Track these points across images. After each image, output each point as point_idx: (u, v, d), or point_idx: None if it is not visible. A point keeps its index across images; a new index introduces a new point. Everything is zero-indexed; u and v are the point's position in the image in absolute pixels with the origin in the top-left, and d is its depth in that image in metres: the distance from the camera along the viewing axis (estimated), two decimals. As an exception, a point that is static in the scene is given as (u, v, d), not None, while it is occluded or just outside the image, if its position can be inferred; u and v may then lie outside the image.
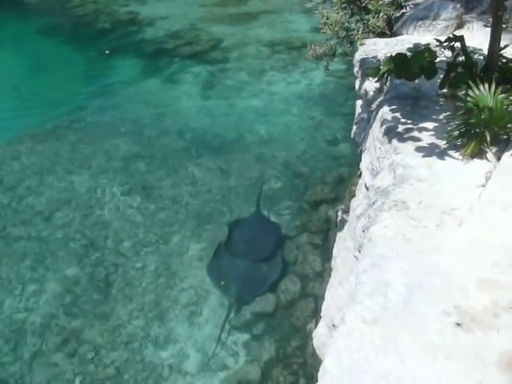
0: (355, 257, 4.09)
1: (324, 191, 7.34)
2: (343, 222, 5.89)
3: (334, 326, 4.22)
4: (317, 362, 4.58)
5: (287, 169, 7.93)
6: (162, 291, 6.18)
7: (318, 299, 5.81)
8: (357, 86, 7.03)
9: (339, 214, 6.18)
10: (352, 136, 7.06)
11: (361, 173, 5.74)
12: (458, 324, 2.77)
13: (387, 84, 5.82)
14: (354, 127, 7.03)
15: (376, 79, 5.26)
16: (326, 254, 6.35)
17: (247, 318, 5.87)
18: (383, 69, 4.89)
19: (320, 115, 9.14)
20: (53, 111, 9.66)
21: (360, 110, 6.96)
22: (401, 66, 4.76)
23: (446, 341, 2.68)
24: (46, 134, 9.02)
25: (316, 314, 5.72)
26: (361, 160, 5.61)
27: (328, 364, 2.46)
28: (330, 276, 5.50)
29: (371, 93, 6.43)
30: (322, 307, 4.82)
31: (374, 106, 6.12)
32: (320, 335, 4.39)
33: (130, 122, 9.20)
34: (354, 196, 5.79)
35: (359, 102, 7.14)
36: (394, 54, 4.93)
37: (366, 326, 2.71)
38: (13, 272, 6.41)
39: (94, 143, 8.58)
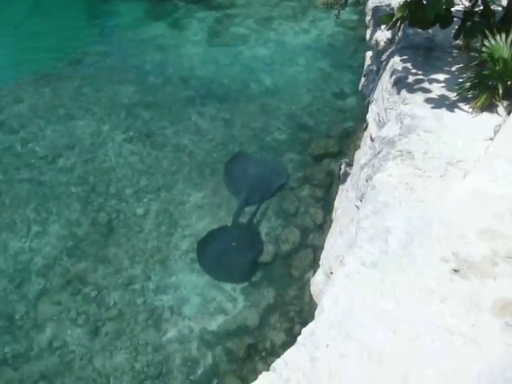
0: (356, 206, 4.09)
1: (328, 144, 7.26)
2: (346, 174, 5.86)
3: (331, 273, 4.29)
4: (313, 309, 4.68)
5: (292, 121, 7.81)
6: (163, 237, 6.26)
7: (317, 250, 5.88)
8: (368, 37, 6.79)
9: (342, 166, 6.14)
10: (360, 88, 6.90)
11: (367, 125, 5.65)
12: (456, 270, 2.80)
13: (399, 34, 5.62)
14: (363, 79, 6.86)
15: (388, 27, 5.06)
16: (328, 208, 6.38)
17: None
18: (397, 15, 4.70)
19: (328, 67, 8.90)
20: (55, 55, 9.44)
21: (369, 62, 6.76)
22: (415, 12, 4.56)
23: (442, 286, 2.71)
24: (49, 77, 8.86)
25: (314, 265, 5.81)
26: (368, 112, 5.51)
27: (326, 303, 2.51)
28: (329, 228, 5.54)
29: (382, 43, 6.22)
30: (321, 256, 4.88)
31: (384, 56, 5.94)
32: (317, 283, 4.47)
33: (134, 68, 9.00)
34: (358, 148, 5.73)
35: (369, 54, 6.93)
36: (409, 0, 4.72)
37: (365, 269, 2.74)
38: (17, 214, 6.47)
39: (98, 88, 8.44)
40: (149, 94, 8.33)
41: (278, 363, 2.21)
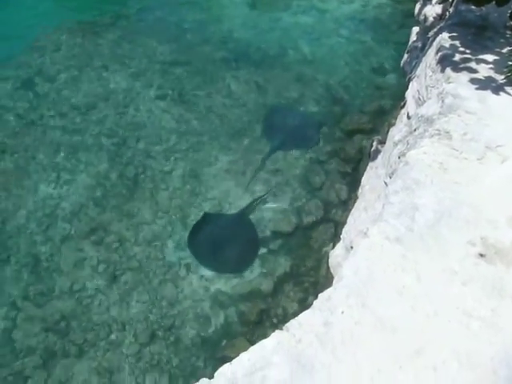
0: (385, 183, 4.01)
1: (361, 120, 7.10)
2: (377, 152, 5.74)
3: (352, 248, 4.27)
4: (328, 282, 4.71)
5: (327, 93, 7.64)
6: (186, 197, 6.32)
7: (339, 225, 5.84)
8: (416, 11, 6.49)
9: (374, 144, 6.00)
10: (401, 65, 6.65)
11: (405, 103, 5.47)
12: (482, 255, 2.73)
13: (451, 9, 5.35)
14: (405, 56, 6.60)
15: (440, 1, 4.82)
16: (354, 184, 6.29)
17: (266, 235, 6.00)
18: (451, -12, 4.45)
19: (370, 41, 8.60)
20: (97, 5, 9.41)
21: (415, 38, 6.48)
22: (471, -14, 4.32)
23: (465, 268, 2.66)
24: (88, 28, 8.86)
25: (334, 240, 5.79)
26: (407, 88, 5.32)
27: (345, 271, 2.49)
28: (354, 204, 5.48)
29: (431, 19, 5.94)
30: (343, 230, 4.85)
31: (431, 33, 5.67)
32: (336, 255, 4.46)
33: (173, 25, 8.91)
34: (392, 126, 5.58)
35: (415, 29, 6.63)
36: (465, -27, 4.46)
37: (388, 243, 2.70)
38: (49, 160, 6.62)
39: (135, 43, 8.41)
40: (185, 53, 8.26)
41: (291, 324, 2.23)
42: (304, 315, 2.25)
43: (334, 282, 2.59)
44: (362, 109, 7.34)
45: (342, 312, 2.28)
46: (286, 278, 5.65)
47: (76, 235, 5.90)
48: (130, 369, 4.96)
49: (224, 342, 5.18)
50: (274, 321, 5.31)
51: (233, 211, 6.15)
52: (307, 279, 5.66)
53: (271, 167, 6.63)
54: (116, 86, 7.60)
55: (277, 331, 2.19)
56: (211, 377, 2.04)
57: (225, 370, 2.00)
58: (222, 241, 5.85)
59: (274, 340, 2.13)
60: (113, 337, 5.14)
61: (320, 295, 2.39)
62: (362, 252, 2.65)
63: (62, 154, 6.68)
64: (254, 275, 5.67)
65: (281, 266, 5.75)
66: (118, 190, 6.34)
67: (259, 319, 5.28)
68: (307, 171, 6.62)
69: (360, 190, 5.64)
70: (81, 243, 5.83)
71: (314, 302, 2.34)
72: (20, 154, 6.61)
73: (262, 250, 5.88)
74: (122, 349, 5.07)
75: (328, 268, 5.57)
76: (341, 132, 7.08)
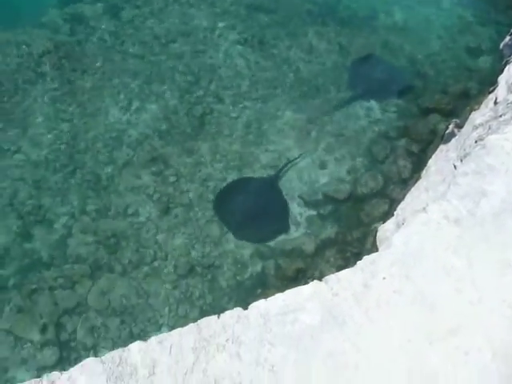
0: (454, 166, 3.81)
1: (442, 101, 6.70)
2: (452, 135, 5.43)
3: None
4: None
5: (411, 65, 7.24)
6: (247, 146, 6.36)
7: (394, 203, 5.68)
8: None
9: (451, 126, 5.67)
10: (500, 47, 6.13)
11: (494, 88, 5.09)
12: (545, 255, 2.57)
13: None
14: (507, 38, 6.07)
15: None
16: (419, 164, 6.04)
17: (318, 198, 5.96)
18: None
19: (470, 16, 7.95)
20: None
21: (522, 20, 5.92)
22: None
23: (523, 264, 2.52)
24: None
25: (386, 217, 5.64)
26: (502, 72, 4.93)
27: (395, 241, 2.44)
28: (415, 184, 5.29)
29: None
30: (398, 207, 4.72)
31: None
32: (386, 230, 4.36)
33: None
34: (475, 110, 5.23)
35: (524, 11, 6.06)
36: None
37: (446, 223, 2.60)
38: (123, 86, 6.83)
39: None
40: (273, 0, 8.02)
41: (331, 277, 2.23)
42: (345, 272, 2.25)
43: (380, 247, 2.54)
44: (445, 88, 6.91)
45: (384, 278, 2.25)
46: (329, 243, 5.64)
47: (137, 162, 6.13)
48: (165, 295, 5.23)
49: (258, 291, 5.30)
50: (309, 281, 5.34)
51: (289, 170, 6.13)
52: (350, 249, 5.61)
53: (337, 131, 6.49)
54: (199, 24, 7.59)
55: (315, 281, 2.21)
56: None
57: (259, 304, 2.06)
58: (248, 208, 5.71)
59: (311, 288, 2.16)
60: (155, 263, 5.41)
61: (365, 257, 2.37)
62: (416, 226, 2.57)
63: (137, 83, 6.85)
64: (299, 234, 5.70)
65: (326, 230, 5.73)
66: (183, 127, 6.47)
67: (295, 277, 5.34)
68: (372, 142, 6.42)
69: (424, 171, 5.41)
70: (140, 171, 6.06)
71: (358, 262, 2.33)
72: (99, 76, 6.86)
73: (311, 212, 5.86)
74: (161, 276, 5.34)
75: (374, 243, 5.48)
76: (417, 108, 6.74)
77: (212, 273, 5.39)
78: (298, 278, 5.36)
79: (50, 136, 6.26)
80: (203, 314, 5.13)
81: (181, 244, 5.54)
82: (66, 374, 1.81)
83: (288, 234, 5.69)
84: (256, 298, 5.11)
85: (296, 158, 6.15)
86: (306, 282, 5.33)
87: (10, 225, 5.52)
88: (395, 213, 4.61)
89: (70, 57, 7.00)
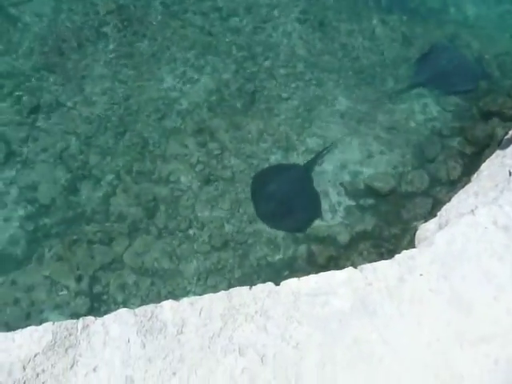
0: (510, 172, 3.64)
1: (505, 105, 6.35)
2: (510, 141, 5.16)
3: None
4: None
5: (476, 64, 6.90)
6: (294, 128, 6.30)
7: (438, 205, 5.50)
8: None
9: (510, 132, 5.40)
10: None
11: None
12: None
13: None
14: None
15: None
16: (470, 168, 5.80)
17: (360, 188, 5.87)
18: None
19: (551, 19, 7.48)
20: None
21: None
22: None
23: None
24: None
25: (428, 217, 5.49)
26: None
27: (438, 239, 2.37)
28: (463, 188, 5.09)
29: None
30: (443, 208, 4.56)
31: None
32: (427, 229, 4.24)
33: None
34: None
35: None
36: None
37: (494, 228, 2.50)
38: (180, 55, 6.88)
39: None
40: (340, -18, 7.81)
41: (366, 267, 2.21)
42: (381, 263, 2.22)
43: (419, 244, 2.48)
44: (510, 92, 6.56)
45: (421, 275, 2.20)
46: (365, 236, 5.56)
47: (184, 131, 6.21)
48: (196, 264, 5.34)
49: (286, 273, 5.32)
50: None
51: (331, 156, 6.05)
52: (386, 245, 5.52)
53: (388, 123, 6.32)
54: (261, 0, 7.49)
55: (350, 268, 2.19)
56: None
57: (292, 282, 2.07)
58: (279, 197, 5.63)
59: (346, 274, 2.14)
60: (190, 232, 5.52)
61: (404, 252, 2.32)
62: (462, 227, 2.48)
63: (193, 52, 6.89)
64: (335, 222, 5.65)
65: (364, 223, 5.64)
66: (233, 102, 6.47)
67: (326, 264, 5.32)
68: (424, 139, 6.23)
69: (475, 175, 5.19)
70: (187, 140, 6.13)
71: (396, 256, 2.28)
72: (157, 42, 6.94)
73: (351, 202, 5.79)
74: (194, 244, 5.45)
75: (411, 242, 5.35)
76: (477, 110, 6.45)
77: (244, 249, 5.45)
78: (329, 266, 5.33)
79: (104, 96, 6.43)
80: (230, 287, 5.19)
81: (217, 217, 5.62)
82: (100, 320, 1.90)
83: (323, 220, 5.65)
84: (283, 279, 5.19)
85: (327, 147, 6.05)
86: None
87: (59, 177, 5.76)
88: (438, 213, 4.46)
89: (131, 20, 7.11)
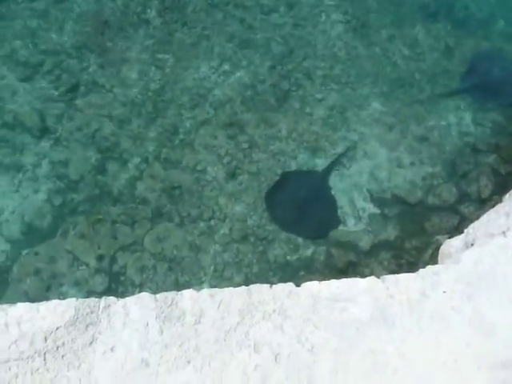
0: (545, 196, 3.53)
1: (546, 125, 6.18)
2: (548, 163, 5.02)
3: (472, 245, 3.94)
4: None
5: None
6: (326, 130, 6.26)
7: (465, 222, 5.41)
8: None
9: (548, 154, 5.25)
10: None
11: None
12: None
13: None
14: None
15: None
16: (502, 187, 5.63)
17: (385, 197, 5.80)
18: None
19: None
20: None
21: None
22: None
23: None
24: None
25: (453, 233, 5.37)
26: None
27: (465, 258, 2.33)
28: (493, 207, 4.97)
29: None
30: (470, 226, 4.46)
31: None
32: (451, 245, 4.14)
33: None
34: None
35: None
36: None
37: (526, 252, 2.43)
38: (218, 46, 6.89)
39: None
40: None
41: (389, 277, 2.18)
42: (405, 276, 2.19)
43: (445, 261, 2.44)
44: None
45: (444, 292, 2.16)
46: (386, 245, 5.51)
47: (215, 122, 6.24)
48: (214, 254, 5.39)
49: (302, 273, 5.32)
50: (358, 277, 5.27)
51: (359, 161, 5.99)
52: (406, 257, 5.45)
53: (421, 133, 6.21)
54: (306, -3, 7.43)
55: (373, 277, 2.17)
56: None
57: (312, 285, 2.07)
58: (296, 204, 5.62)
59: (367, 283, 2.13)
60: (212, 222, 5.56)
61: (428, 267, 2.28)
62: (491, 248, 2.43)
63: (232, 45, 6.90)
64: (357, 228, 5.61)
65: (386, 232, 5.58)
66: (267, 98, 6.47)
67: (344, 269, 5.29)
68: (457, 153, 6.09)
69: (507, 196, 5.05)
70: (217, 131, 6.17)
71: (421, 270, 2.25)
72: (197, 31, 6.97)
73: (375, 210, 5.73)
74: (215, 236, 5.49)
75: (433, 256, 5.28)
76: (515, 128, 6.28)
77: (264, 245, 5.46)
78: (347, 271, 5.30)
79: (140, 81, 6.52)
80: (247, 281, 5.24)
81: (240, 210, 5.64)
82: (121, 301, 1.94)
83: (346, 225, 5.61)
84: (300, 279, 5.18)
85: (343, 153, 5.98)
86: (354, 277, 5.31)
87: (90, 156, 5.88)
88: (466, 231, 4.35)
89: (174, 8, 7.16)
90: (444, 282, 2.20)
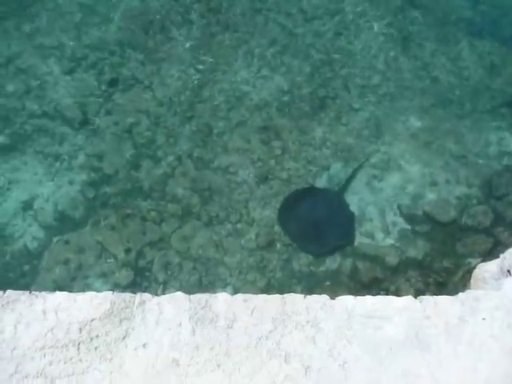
0: None
1: None
2: None
3: (508, 272, 3.81)
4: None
5: None
6: (360, 141, 6.20)
7: (499, 245, 5.26)
8: None
9: None
10: None
11: None
12: None
13: None
14: None
15: None
16: (541, 213, 5.47)
17: (417, 213, 5.68)
18: None
19: None
20: None
21: None
22: None
23: None
24: None
25: (486, 256, 5.22)
26: None
27: (508, 286, 2.25)
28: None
29: None
30: (507, 251, 4.31)
31: None
32: (486, 270, 4.00)
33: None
34: None
35: None
36: None
37: None
38: (258, 50, 6.92)
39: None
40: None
41: (427, 298, 2.12)
42: (443, 298, 2.13)
43: (479, 285, 2.36)
44: None
45: (484, 319, 2.09)
46: (414, 263, 5.39)
47: (250, 126, 6.25)
48: (240, 258, 5.38)
49: (327, 283, 5.26)
50: (382, 294, 5.17)
51: (395, 177, 5.89)
52: (435, 277, 5.32)
53: (459, 152, 6.07)
54: (348, 6, 7.38)
55: (410, 296, 2.12)
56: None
57: (347, 299, 2.03)
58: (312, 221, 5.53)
59: (404, 302, 2.07)
60: (239, 226, 5.56)
61: (468, 291, 2.21)
62: (536, 278, 2.33)
63: (271, 50, 6.91)
64: (386, 243, 5.51)
65: (416, 249, 5.46)
66: (303, 105, 6.45)
67: (369, 284, 5.21)
68: (495, 175, 5.92)
69: (547, 222, 4.90)
70: (251, 135, 6.18)
71: (460, 294, 2.18)
72: (238, 35, 7.02)
73: (406, 226, 5.62)
74: (241, 239, 5.48)
75: (463, 278, 5.15)
76: (558, 151, 6.07)
77: (289, 253, 5.42)
78: (372, 287, 5.20)
79: (179, 80, 6.60)
80: (270, 286, 5.22)
81: (268, 216, 5.62)
82: (156, 299, 1.95)
83: (374, 239, 5.53)
84: (323, 290, 5.12)
85: (357, 169, 5.87)
86: (378, 293, 5.21)
87: (125, 150, 5.98)
88: (502, 255, 4.20)
89: (217, 10, 7.24)
90: (484, 309, 2.12)
